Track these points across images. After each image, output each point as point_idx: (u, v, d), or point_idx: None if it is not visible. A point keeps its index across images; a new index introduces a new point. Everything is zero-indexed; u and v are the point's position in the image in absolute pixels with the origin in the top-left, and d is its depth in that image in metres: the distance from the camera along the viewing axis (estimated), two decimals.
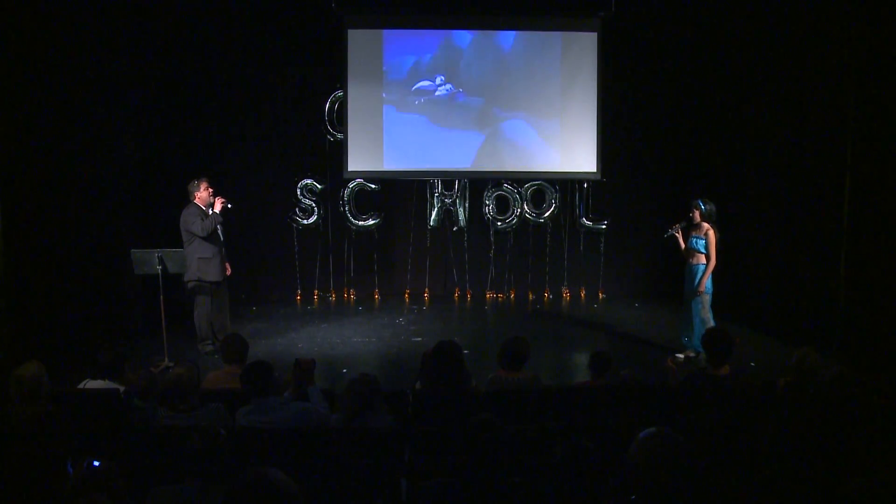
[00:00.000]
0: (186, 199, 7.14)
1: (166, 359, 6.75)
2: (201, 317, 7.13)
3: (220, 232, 7.13)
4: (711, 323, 6.78)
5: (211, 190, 7.09)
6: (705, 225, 6.89)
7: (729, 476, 3.04)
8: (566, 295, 10.17)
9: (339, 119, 9.68)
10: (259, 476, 2.12)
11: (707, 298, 6.89)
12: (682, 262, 7.18)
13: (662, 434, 2.38)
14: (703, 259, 6.88)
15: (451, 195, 9.97)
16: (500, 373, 4.82)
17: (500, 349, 4.86)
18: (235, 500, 2.10)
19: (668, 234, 7.11)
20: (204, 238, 6.95)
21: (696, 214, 6.93)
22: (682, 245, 7.04)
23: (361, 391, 3.95)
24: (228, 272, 7.38)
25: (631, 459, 2.37)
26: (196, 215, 6.99)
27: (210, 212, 7.05)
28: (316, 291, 10.04)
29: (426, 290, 10.14)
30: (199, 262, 6.99)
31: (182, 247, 6.99)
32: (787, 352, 4.76)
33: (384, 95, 9.65)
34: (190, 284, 7.07)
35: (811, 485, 2.89)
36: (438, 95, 9.69)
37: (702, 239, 6.87)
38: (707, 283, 6.84)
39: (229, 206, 7.16)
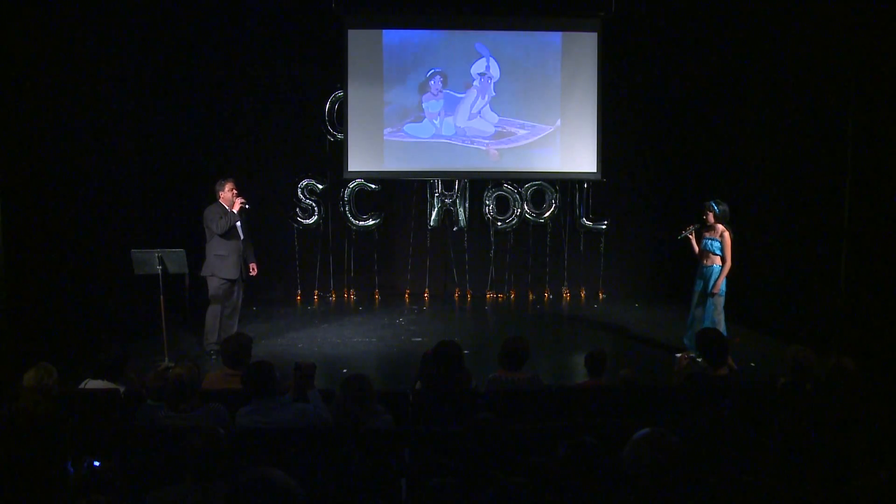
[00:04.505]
0: (213, 197, 7.26)
1: (166, 359, 6.76)
2: (212, 314, 7.22)
3: (240, 231, 7.24)
4: (723, 325, 6.77)
5: (235, 191, 7.22)
6: (720, 226, 6.88)
7: (727, 476, 3.04)
8: (566, 295, 10.17)
9: (339, 119, 9.68)
10: (260, 476, 2.12)
11: (721, 300, 6.88)
12: (685, 262, 7.17)
13: (657, 434, 2.38)
14: (717, 261, 6.87)
15: (451, 195, 9.97)
16: (500, 373, 4.83)
17: (500, 349, 4.86)
18: (237, 500, 2.10)
19: (682, 235, 7.09)
20: (222, 236, 7.08)
21: (710, 216, 6.91)
22: (696, 247, 7.03)
23: (352, 391, 3.95)
24: (253, 272, 7.47)
25: (625, 460, 2.37)
26: (216, 213, 7.12)
27: (230, 211, 7.18)
28: (316, 291, 10.04)
29: (426, 290, 10.14)
30: (215, 259, 7.13)
31: (203, 243, 7.21)
32: (786, 352, 4.76)
33: (384, 95, 9.65)
34: (209, 282, 7.18)
35: (810, 485, 2.89)
36: (438, 95, 9.69)
37: (716, 241, 6.86)
38: (722, 284, 6.85)
39: (247, 206, 7.27)
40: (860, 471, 2.81)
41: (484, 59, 9.68)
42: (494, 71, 9.68)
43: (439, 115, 9.70)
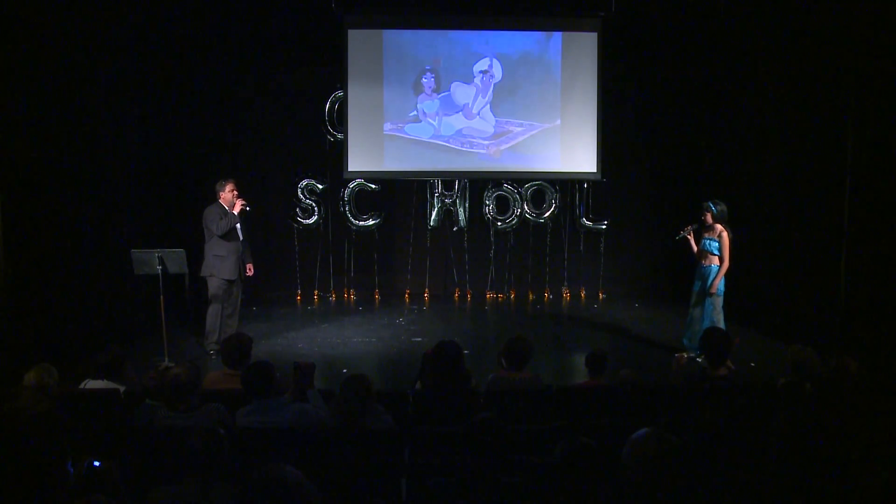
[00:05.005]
0: (213, 197, 7.26)
1: (166, 359, 6.76)
2: (212, 314, 7.23)
3: (239, 232, 7.24)
4: (722, 324, 6.77)
5: (235, 192, 7.23)
6: (718, 226, 6.88)
7: (726, 476, 3.04)
8: (566, 295, 10.17)
9: (339, 119, 9.68)
10: (274, 473, 2.11)
11: (719, 300, 6.88)
12: (685, 262, 7.16)
13: (655, 435, 2.38)
14: (715, 261, 6.88)
15: (452, 195, 9.98)
16: (500, 372, 4.83)
17: (503, 348, 4.86)
18: (252, 497, 2.09)
19: (680, 236, 7.10)
20: (221, 237, 7.09)
21: (708, 216, 6.91)
22: (695, 247, 7.04)
23: (353, 392, 3.95)
24: (250, 273, 7.48)
25: (625, 460, 2.37)
26: (216, 214, 7.13)
27: (230, 212, 7.19)
28: (316, 291, 10.04)
29: (426, 290, 10.15)
30: (214, 259, 7.15)
31: (202, 243, 7.23)
32: (787, 352, 4.76)
33: (384, 95, 9.65)
34: (208, 282, 7.20)
35: (810, 485, 2.89)
36: (438, 95, 9.69)
37: (715, 241, 6.87)
38: (719, 284, 6.85)
39: (248, 208, 7.27)
40: (860, 471, 2.81)
41: (487, 59, 9.68)
42: (497, 71, 9.68)
43: (437, 115, 9.70)
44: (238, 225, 7.21)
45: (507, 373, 4.79)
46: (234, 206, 7.17)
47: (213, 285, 7.18)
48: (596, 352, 5.07)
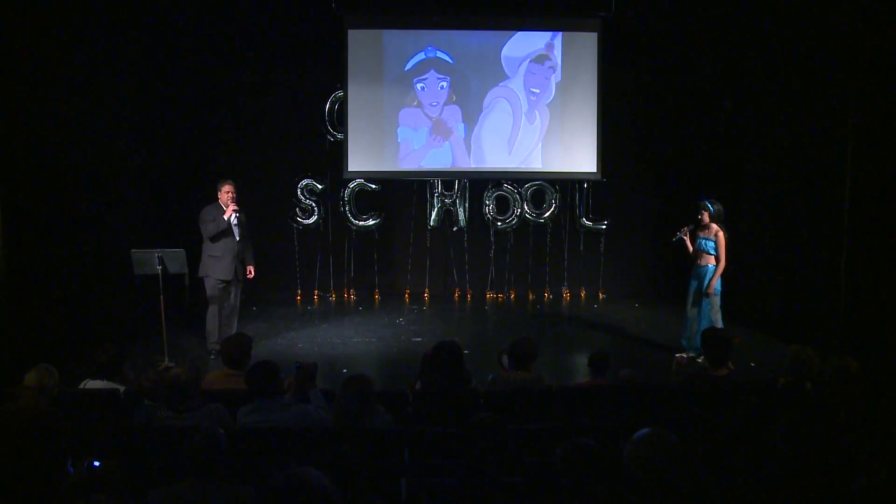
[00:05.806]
0: (214, 195, 7.22)
1: (166, 359, 6.76)
2: (211, 314, 7.23)
3: (235, 232, 7.19)
4: (720, 324, 6.77)
5: (231, 194, 7.15)
6: (715, 226, 6.88)
7: (727, 476, 3.04)
8: (566, 295, 10.17)
9: (339, 119, 9.68)
10: (296, 476, 2.11)
11: (716, 300, 6.88)
12: (684, 262, 7.16)
13: (656, 435, 2.38)
14: (711, 260, 6.88)
15: (451, 195, 9.97)
16: (500, 372, 4.83)
17: (508, 347, 4.86)
18: (273, 500, 2.09)
19: (677, 237, 7.10)
20: (215, 236, 7.07)
21: (705, 216, 6.91)
22: (691, 248, 7.04)
23: (352, 391, 3.95)
24: (251, 275, 7.43)
25: (625, 460, 2.37)
26: (209, 216, 7.11)
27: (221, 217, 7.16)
28: (316, 291, 10.04)
29: (426, 290, 10.14)
30: (210, 259, 7.14)
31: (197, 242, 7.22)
32: (787, 352, 4.77)
33: (384, 95, 9.65)
34: (205, 282, 7.20)
35: (810, 485, 2.89)
36: (438, 95, 9.69)
37: (711, 240, 6.87)
38: (716, 283, 6.85)
39: (238, 214, 7.17)
40: (860, 471, 2.81)
41: (465, 59, 9.62)
42: (472, 69, 9.62)
43: (442, 114, 9.69)
44: (235, 224, 7.16)
45: (507, 372, 4.79)
46: (227, 209, 7.12)
47: (209, 286, 7.16)
48: (599, 352, 5.07)
